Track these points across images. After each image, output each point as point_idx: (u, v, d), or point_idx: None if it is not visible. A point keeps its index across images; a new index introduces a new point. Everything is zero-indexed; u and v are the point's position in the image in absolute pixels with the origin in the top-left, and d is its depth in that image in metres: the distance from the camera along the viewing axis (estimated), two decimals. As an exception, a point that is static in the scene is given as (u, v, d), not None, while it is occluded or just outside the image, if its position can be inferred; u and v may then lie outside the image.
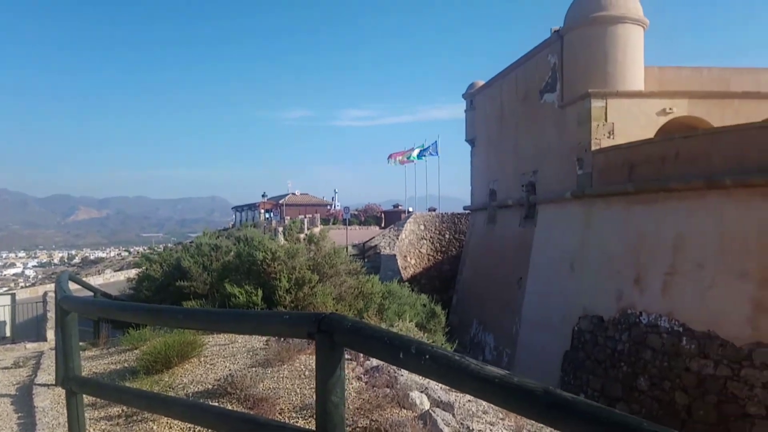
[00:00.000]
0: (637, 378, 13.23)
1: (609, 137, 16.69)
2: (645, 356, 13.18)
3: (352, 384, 5.06)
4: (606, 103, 16.75)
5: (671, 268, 13.34)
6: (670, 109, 16.83)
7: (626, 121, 16.81)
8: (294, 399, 4.69)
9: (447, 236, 31.93)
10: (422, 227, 31.80)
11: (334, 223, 43.75)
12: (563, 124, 18.55)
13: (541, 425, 4.00)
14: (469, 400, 5.12)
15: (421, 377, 4.96)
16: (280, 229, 27.11)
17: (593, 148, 16.75)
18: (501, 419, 4.81)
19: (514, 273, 20.93)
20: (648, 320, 13.40)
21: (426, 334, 9.56)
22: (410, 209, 43.92)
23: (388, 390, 4.90)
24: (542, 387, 1.84)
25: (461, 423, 4.52)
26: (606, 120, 16.72)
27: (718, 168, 12.79)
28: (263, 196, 61.74)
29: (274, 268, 7.94)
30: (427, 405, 4.67)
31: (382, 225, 47.30)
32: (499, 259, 23.06)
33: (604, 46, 17.18)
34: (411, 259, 31.00)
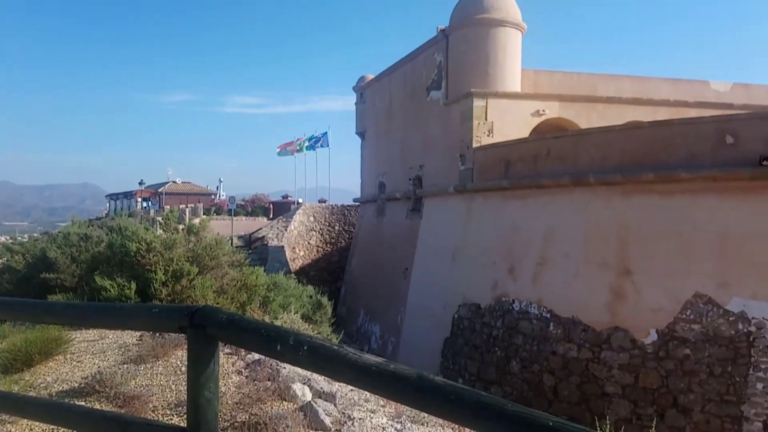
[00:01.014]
0: (510, 362, 14.09)
1: (489, 135, 17.54)
2: (517, 341, 14.06)
3: (231, 378, 4.94)
4: (486, 103, 17.59)
5: (541, 258, 14.30)
6: (543, 110, 18.00)
7: (504, 121, 17.75)
8: (169, 396, 4.49)
9: (337, 228, 32.02)
10: (312, 219, 31.64)
11: (218, 214, 42.27)
12: (448, 121, 19.22)
13: (419, 411, 4.14)
14: (351, 390, 5.17)
15: (304, 369, 4.94)
16: (159, 219, 25.77)
17: (474, 145, 17.53)
18: (382, 407, 4.91)
19: (401, 264, 21.44)
20: (520, 307, 14.30)
21: (312, 326, 9.53)
22: (300, 200, 43.48)
23: (269, 383, 4.82)
24: (416, 373, 1.89)
25: (343, 412, 4.56)
26: (486, 119, 17.56)
27: (583, 166, 13.87)
28: (140, 183, 58.21)
29: (150, 259, 7.53)
30: (309, 396, 4.66)
31: (271, 216, 46.44)
32: (387, 250, 23.51)
33: (486, 48, 17.99)
34: (300, 250, 30.75)
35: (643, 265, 12.52)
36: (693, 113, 18.16)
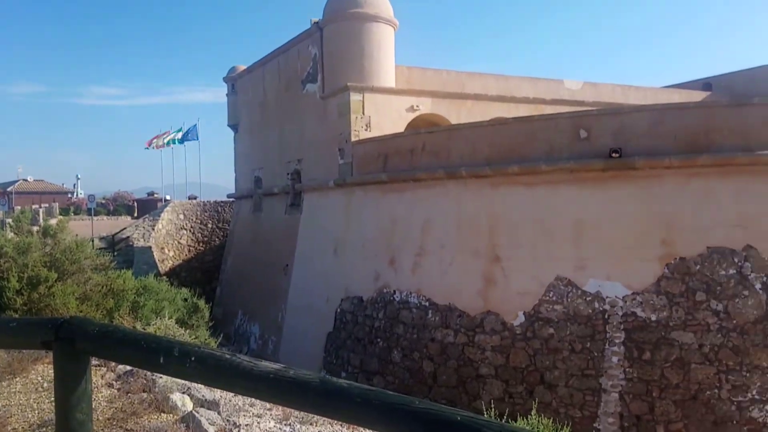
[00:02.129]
0: (392, 351, 14.38)
1: (366, 129, 17.71)
2: (398, 331, 14.38)
3: (101, 392, 4.54)
4: (363, 97, 17.74)
5: (420, 249, 14.73)
6: (417, 106, 18.51)
7: (381, 115, 18.02)
8: (30, 416, 4.03)
9: (210, 225, 30.73)
10: (182, 216, 30.09)
11: (76, 213, 38.91)
12: (325, 115, 19.14)
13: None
14: (234, 396, 4.96)
15: (193, 382, 4.65)
16: (9, 220, 23.15)
17: (353, 139, 17.62)
18: (268, 410, 4.76)
19: (281, 260, 21.07)
20: (401, 297, 14.64)
21: (188, 331, 9.04)
22: (168, 197, 41.22)
23: (145, 395, 4.49)
24: (318, 377, 1.81)
25: (227, 420, 4.35)
26: (363, 113, 17.71)
27: (456, 160, 14.46)
28: (-17, 182, 52.09)
29: (1, 266, 6.71)
30: (189, 406, 4.40)
31: (135, 215, 43.58)
32: (266, 247, 22.98)
33: (361, 42, 18.12)
34: (169, 250, 29.14)
35: (511, 252, 13.33)
36: (550, 110, 19.60)
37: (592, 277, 12.43)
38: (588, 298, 12.33)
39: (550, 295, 12.66)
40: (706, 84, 25.68)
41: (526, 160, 13.41)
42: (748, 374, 11.12)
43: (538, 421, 6.27)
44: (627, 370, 11.68)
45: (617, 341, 11.88)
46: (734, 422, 11.03)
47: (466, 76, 20.32)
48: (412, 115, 18.62)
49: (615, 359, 11.80)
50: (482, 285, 13.53)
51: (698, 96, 23.84)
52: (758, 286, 11.34)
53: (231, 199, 29.38)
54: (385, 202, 16.18)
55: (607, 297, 12.19)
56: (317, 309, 17.54)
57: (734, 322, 11.30)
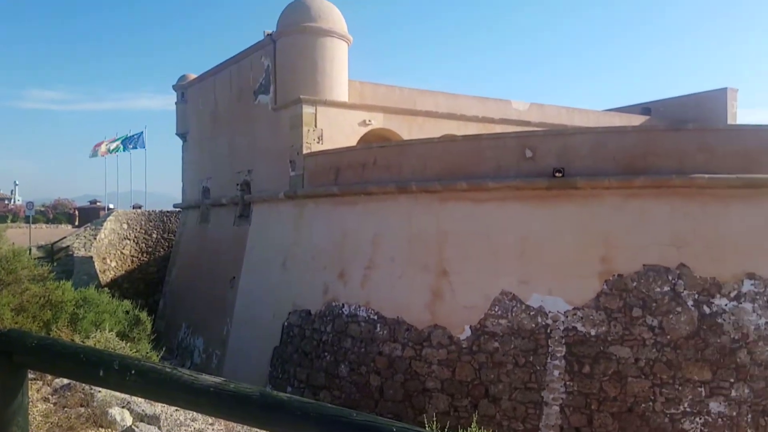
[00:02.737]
0: (339, 365, 14.34)
1: (318, 142, 17.74)
2: (346, 344, 14.36)
3: (37, 407, 4.39)
4: (316, 110, 17.78)
5: (370, 262, 14.80)
6: (369, 120, 18.69)
7: (333, 129, 18.09)
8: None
9: (154, 236, 29.93)
10: (125, 226, 29.21)
11: (13, 221, 37.20)
12: (277, 127, 19.06)
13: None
14: (176, 410, 4.88)
15: (133, 395, 4.55)
16: (-65, 227, 21.94)
17: (305, 151, 17.60)
18: (210, 424, 4.71)
19: (227, 272, 20.72)
20: (349, 311, 14.64)
21: (129, 344, 8.80)
22: (111, 206, 39.97)
23: (82, 409, 4.37)
24: (259, 390, 1.84)
25: (169, 434, 4.29)
26: (316, 126, 17.74)
27: (407, 175, 14.66)
28: None
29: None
30: (129, 421, 4.31)
31: (76, 223, 42.02)
32: (212, 258, 22.56)
33: (314, 56, 18.19)
34: (111, 261, 28.21)
35: (459, 266, 13.57)
36: (498, 129, 20.15)
37: (536, 292, 12.78)
38: (531, 313, 12.67)
39: (496, 310, 12.94)
40: (645, 108, 26.93)
41: (475, 176, 13.72)
42: (680, 387, 11.64)
43: (480, 433, 6.39)
44: (567, 383, 12.03)
45: (558, 355, 12.23)
46: (667, 433, 11.50)
47: (418, 93, 20.66)
48: (364, 130, 18.78)
49: (556, 373, 12.14)
50: (430, 298, 13.70)
51: (638, 120, 24.99)
52: (690, 303, 11.92)
53: (177, 209, 28.73)
54: (336, 215, 16.21)
55: (549, 312, 12.55)
56: (264, 322, 17.33)
57: (668, 337, 11.83)
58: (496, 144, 14.19)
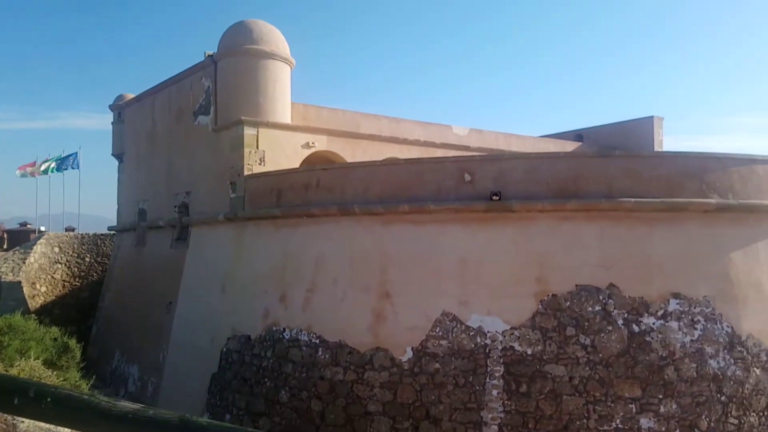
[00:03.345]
0: (279, 391, 14.09)
1: (260, 164, 17.61)
2: (287, 370, 14.14)
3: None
4: (258, 132, 17.68)
5: (312, 285, 14.71)
6: (313, 143, 18.72)
7: (276, 150, 18.01)
8: None
9: (88, 259, 28.73)
10: (57, 249, 27.93)
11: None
12: (217, 148, 18.82)
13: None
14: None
15: (50, 423, 4.33)
16: None
17: (246, 173, 17.42)
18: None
19: (164, 297, 20.09)
20: (290, 335, 14.45)
21: (57, 372, 8.41)
22: (42, 228, 38.13)
23: (0, 443, 4.14)
24: (178, 416, 1.84)
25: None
26: (257, 147, 17.62)
27: (349, 197, 14.73)
28: None
29: None
30: (51, 453, 4.11)
31: (5, 246, 39.86)
32: (148, 283, 21.84)
33: (256, 78, 18.15)
34: (41, 286, 26.86)
35: (400, 288, 13.67)
36: (439, 153, 20.57)
37: (475, 313, 13.02)
38: (471, 333, 12.87)
39: (437, 330, 13.07)
40: (578, 135, 28.12)
41: (416, 199, 13.94)
42: (612, 404, 12.04)
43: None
44: (506, 402, 12.24)
45: (497, 375, 12.45)
46: (600, 449, 11.84)
47: (361, 117, 20.87)
48: (307, 152, 18.78)
49: (495, 392, 12.34)
50: (372, 321, 13.71)
51: (571, 146, 26.05)
52: (620, 321, 12.42)
53: (112, 232, 27.74)
54: (278, 238, 16.06)
55: (488, 332, 12.79)
56: (202, 348, 16.85)
57: (600, 355, 12.26)
58: (437, 168, 14.49)
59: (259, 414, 14.35)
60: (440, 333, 13.02)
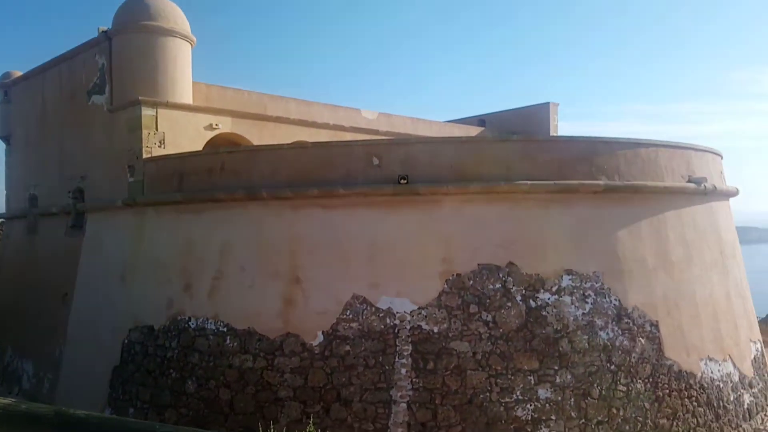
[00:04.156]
0: (186, 382, 13.72)
1: (160, 146, 16.84)
2: (193, 360, 13.78)
3: None
4: (157, 113, 16.86)
5: (218, 272, 14.35)
6: (217, 124, 18.12)
7: (177, 132, 17.29)
8: None
9: (-31, 250, 26.37)
10: (-69, 240, 25.43)
11: None
12: (114, 129, 17.80)
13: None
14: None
15: None
16: None
17: (144, 156, 16.61)
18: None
19: (59, 288, 18.89)
20: (196, 324, 14.07)
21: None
22: None
23: None
24: (53, 410, 1.79)
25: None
26: (157, 129, 16.82)
27: (257, 181, 14.44)
28: None
29: None
30: None
31: None
32: (41, 273, 20.43)
33: (155, 56, 17.28)
34: None
35: (311, 272, 13.64)
36: (349, 136, 20.59)
37: (384, 295, 13.24)
38: (381, 315, 13.10)
39: (347, 314, 13.19)
40: (481, 120, 29.07)
41: (325, 183, 13.89)
42: (512, 377, 12.71)
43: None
44: (414, 380, 12.61)
45: (405, 354, 12.78)
46: (503, 422, 12.50)
47: (268, 98, 20.42)
48: (211, 134, 18.16)
49: (403, 371, 12.67)
50: (282, 307, 13.61)
51: (474, 131, 26.91)
52: (519, 297, 13.09)
53: (0, 220, 25.66)
54: (181, 224, 15.50)
55: (397, 313, 13.07)
56: (102, 341, 16.05)
57: (501, 330, 12.87)
58: (346, 151, 14.50)
59: (164, 406, 13.92)
60: (350, 316, 13.15)
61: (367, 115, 22.68)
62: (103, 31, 17.88)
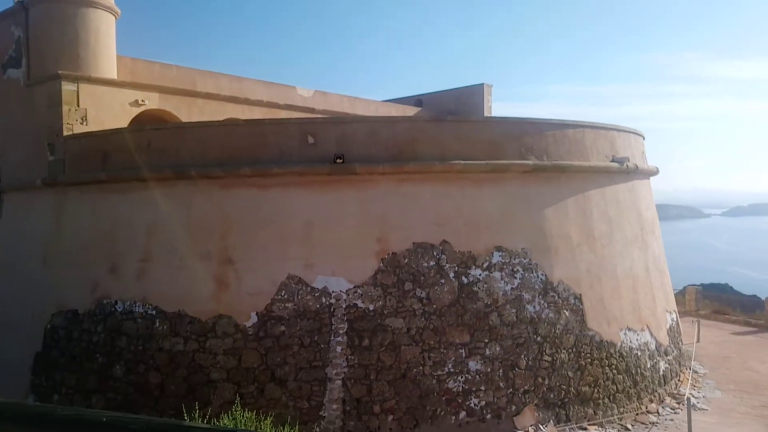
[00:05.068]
0: (113, 366, 13.31)
1: (82, 123, 16.02)
2: (120, 344, 13.36)
3: None
4: (78, 88, 15.99)
5: (146, 254, 13.89)
6: (143, 101, 17.40)
7: (100, 109, 16.49)
8: None
9: None
10: None
11: None
12: (32, 105, 16.76)
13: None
14: None
15: None
16: None
17: (66, 133, 15.76)
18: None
19: (-28, 273, 17.77)
20: (123, 308, 13.61)
21: None
22: None
23: None
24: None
25: None
26: (78, 105, 15.97)
27: (185, 160, 14.01)
28: None
29: None
30: None
31: None
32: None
33: (75, 28, 16.34)
34: None
35: (244, 253, 13.43)
36: (283, 114, 20.26)
37: (320, 274, 13.23)
38: (316, 294, 13.09)
39: (282, 294, 13.11)
40: (418, 100, 29.24)
41: (258, 162, 13.65)
42: (445, 351, 13.05)
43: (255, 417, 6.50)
44: (349, 357, 12.73)
45: (341, 332, 12.86)
46: (435, 394, 12.85)
47: (197, 74, 19.76)
48: (136, 110, 17.43)
49: (339, 349, 12.76)
50: (214, 288, 13.35)
51: (412, 111, 27.05)
52: (452, 274, 13.39)
53: None
54: (105, 204, 14.85)
55: (333, 292, 13.10)
56: (22, 327, 15.26)
57: (434, 306, 13.16)
58: (280, 129, 14.27)
59: (91, 391, 13.46)
60: (286, 296, 13.07)
61: (303, 92, 22.36)
62: (19, 1, 16.73)
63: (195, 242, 13.67)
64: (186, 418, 9.86)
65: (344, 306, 13.02)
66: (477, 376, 13.11)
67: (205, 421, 8.63)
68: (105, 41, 17.01)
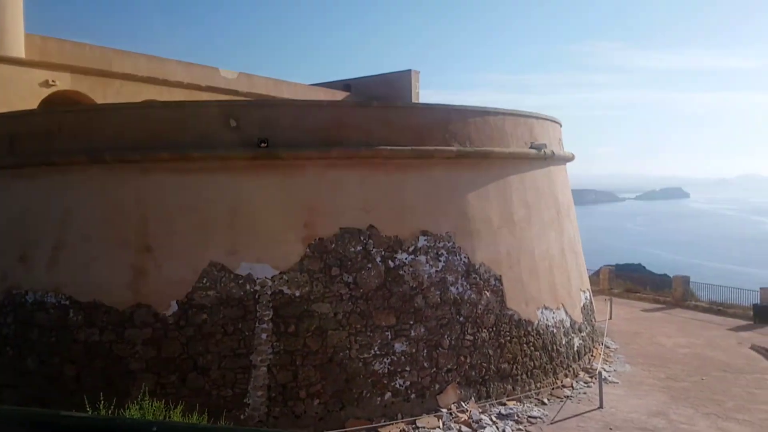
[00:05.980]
0: (25, 359, 12.66)
1: (-15, 104, 14.98)
2: (32, 336, 12.71)
3: None
4: (-21, 66, 14.93)
5: (58, 242, 13.23)
6: (54, 81, 16.46)
7: (6, 89, 15.50)
8: None
9: None
10: None
11: None
12: (-76, 82, 15.49)
13: None
14: None
15: None
16: None
17: (-34, 114, 14.69)
18: None
19: None
20: (35, 298, 12.94)
21: None
22: None
23: None
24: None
25: None
26: (-21, 84, 14.92)
27: (99, 144, 13.38)
28: None
29: None
30: None
31: None
32: None
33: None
34: None
35: (164, 241, 13.02)
36: (205, 96, 19.71)
37: (244, 261, 13.03)
38: (240, 281, 12.90)
39: (204, 282, 12.83)
40: (346, 85, 29.15)
41: (178, 146, 13.22)
42: (371, 333, 13.22)
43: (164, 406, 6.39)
44: (275, 344, 12.66)
45: (266, 319, 12.76)
46: (361, 376, 13.01)
47: (113, 53, 18.83)
48: (47, 91, 16.48)
49: (264, 336, 12.66)
50: (132, 277, 12.89)
51: (340, 95, 26.94)
52: (378, 259, 13.54)
53: None
54: (14, 191, 14.01)
55: (257, 278, 12.94)
56: None
57: (361, 290, 13.28)
58: (200, 112, 13.86)
59: (4, 386, 12.74)
60: (207, 284, 12.80)
61: (226, 74, 21.77)
62: None
63: (111, 229, 13.13)
64: (102, 411, 9.55)
65: (269, 293, 12.90)
66: (402, 357, 13.38)
67: (109, 413, 8.36)
68: (12, 18, 15.89)
